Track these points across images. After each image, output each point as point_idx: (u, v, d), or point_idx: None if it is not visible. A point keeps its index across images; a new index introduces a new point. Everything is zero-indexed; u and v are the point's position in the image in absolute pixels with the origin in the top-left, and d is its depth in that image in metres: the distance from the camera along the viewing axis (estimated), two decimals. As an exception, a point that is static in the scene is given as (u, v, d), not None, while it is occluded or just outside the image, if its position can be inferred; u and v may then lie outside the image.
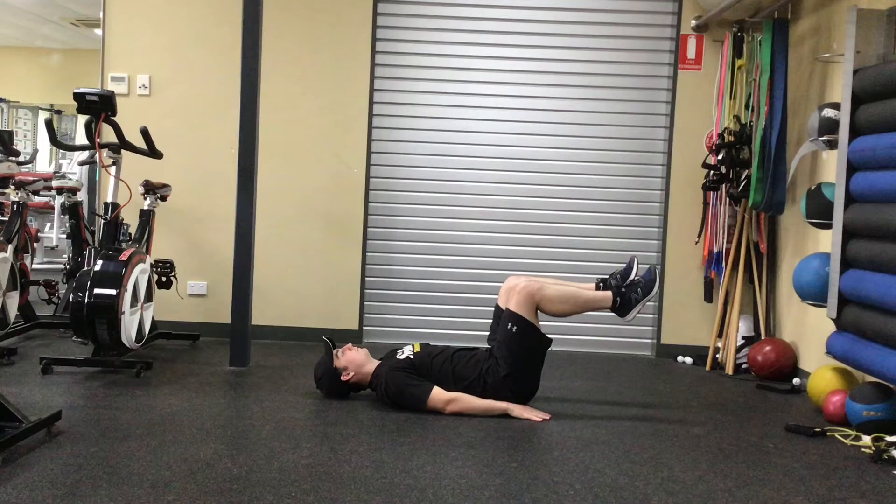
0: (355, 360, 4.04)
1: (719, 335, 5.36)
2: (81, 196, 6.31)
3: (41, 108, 13.93)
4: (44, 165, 12.40)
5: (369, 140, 5.63)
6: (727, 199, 5.27)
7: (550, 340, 3.97)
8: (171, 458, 3.07)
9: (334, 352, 4.08)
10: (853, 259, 3.86)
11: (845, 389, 3.99)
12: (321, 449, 3.27)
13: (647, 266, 4.08)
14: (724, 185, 5.24)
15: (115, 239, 4.67)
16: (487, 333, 4.19)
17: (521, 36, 5.65)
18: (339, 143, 5.61)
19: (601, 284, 4.10)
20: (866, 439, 3.60)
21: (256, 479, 2.88)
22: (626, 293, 3.95)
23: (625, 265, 4.11)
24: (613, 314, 4.00)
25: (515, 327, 3.88)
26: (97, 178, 6.52)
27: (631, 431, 3.73)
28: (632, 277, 4.02)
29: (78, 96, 4.52)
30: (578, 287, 4.08)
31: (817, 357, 4.54)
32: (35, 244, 6.37)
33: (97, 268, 4.31)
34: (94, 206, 6.48)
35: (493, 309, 4.19)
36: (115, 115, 4.60)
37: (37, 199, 7.00)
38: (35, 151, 10.16)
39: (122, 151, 4.75)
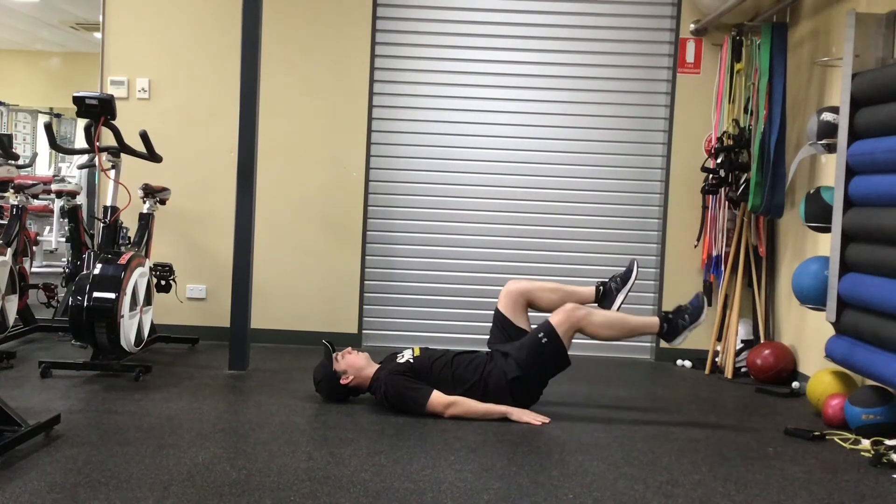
0: (355, 364, 4.04)
1: (718, 339, 5.35)
2: (81, 199, 6.28)
3: (40, 112, 13.91)
4: (43, 169, 12.39)
5: (368, 142, 5.63)
6: (726, 202, 5.28)
7: (569, 364, 3.98)
8: (170, 461, 3.07)
9: (334, 355, 4.08)
10: (852, 263, 3.86)
11: (844, 393, 3.99)
12: (320, 452, 3.27)
13: (697, 293, 4.10)
14: (723, 189, 5.24)
15: (115, 242, 4.68)
16: (487, 337, 4.19)
17: (520, 39, 5.66)
18: (338, 145, 5.61)
19: (601, 288, 4.11)
20: (865, 443, 3.60)
21: (256, 483, 2.88)
22: (673, 320, 3.97)
23: (624, 268, 4.12)
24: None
25: (546, 339, 3.87)
26: (96, 182, 6.51)
27: (630, 435, 3.73)
28: (631, 280, 4.04)
29: (77, 100, 4.53)
30: (625, 315, 4.04)
31: (816, 361, 4.54)
32: (34, 248, 6.37)
33: (96, 271, 4.30)
34: (94, 209, 6.48)
35: (492, 313, 4.19)
36: (114, 119, 4.60)
37: (36, 202, 6.98)
38: (34, 155, 10.17)
39: (122, 155, 4.76)
